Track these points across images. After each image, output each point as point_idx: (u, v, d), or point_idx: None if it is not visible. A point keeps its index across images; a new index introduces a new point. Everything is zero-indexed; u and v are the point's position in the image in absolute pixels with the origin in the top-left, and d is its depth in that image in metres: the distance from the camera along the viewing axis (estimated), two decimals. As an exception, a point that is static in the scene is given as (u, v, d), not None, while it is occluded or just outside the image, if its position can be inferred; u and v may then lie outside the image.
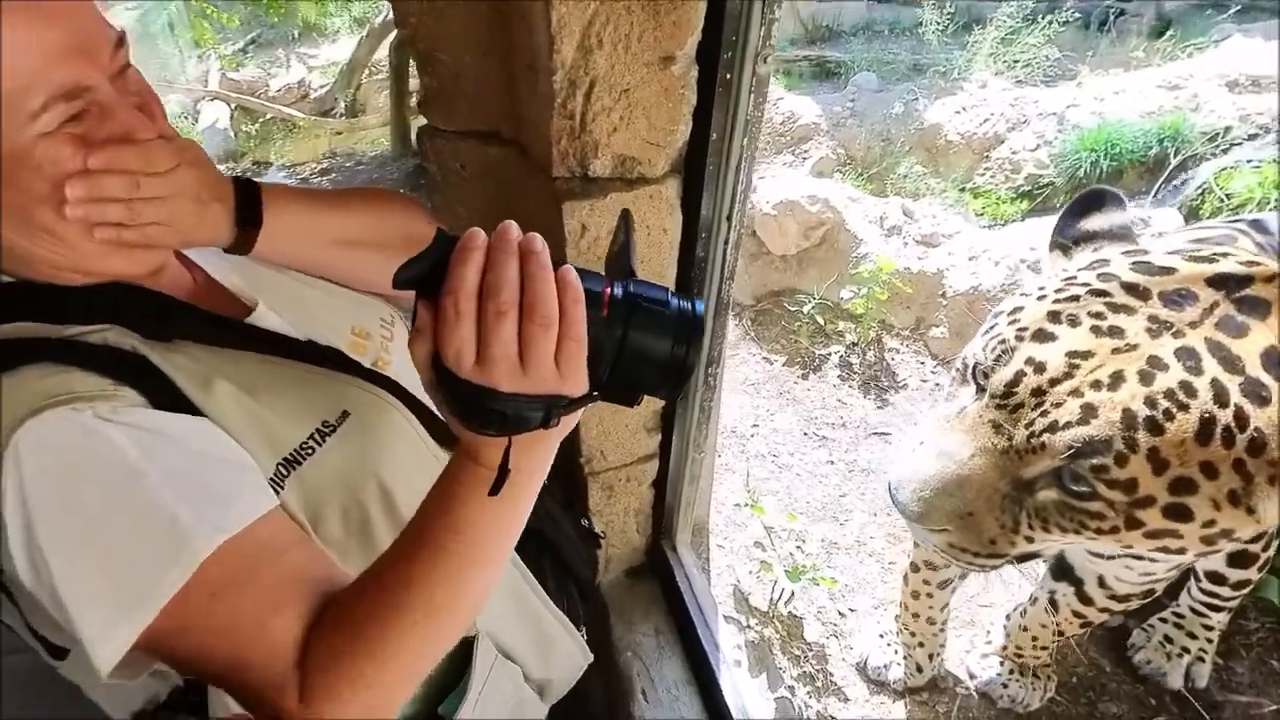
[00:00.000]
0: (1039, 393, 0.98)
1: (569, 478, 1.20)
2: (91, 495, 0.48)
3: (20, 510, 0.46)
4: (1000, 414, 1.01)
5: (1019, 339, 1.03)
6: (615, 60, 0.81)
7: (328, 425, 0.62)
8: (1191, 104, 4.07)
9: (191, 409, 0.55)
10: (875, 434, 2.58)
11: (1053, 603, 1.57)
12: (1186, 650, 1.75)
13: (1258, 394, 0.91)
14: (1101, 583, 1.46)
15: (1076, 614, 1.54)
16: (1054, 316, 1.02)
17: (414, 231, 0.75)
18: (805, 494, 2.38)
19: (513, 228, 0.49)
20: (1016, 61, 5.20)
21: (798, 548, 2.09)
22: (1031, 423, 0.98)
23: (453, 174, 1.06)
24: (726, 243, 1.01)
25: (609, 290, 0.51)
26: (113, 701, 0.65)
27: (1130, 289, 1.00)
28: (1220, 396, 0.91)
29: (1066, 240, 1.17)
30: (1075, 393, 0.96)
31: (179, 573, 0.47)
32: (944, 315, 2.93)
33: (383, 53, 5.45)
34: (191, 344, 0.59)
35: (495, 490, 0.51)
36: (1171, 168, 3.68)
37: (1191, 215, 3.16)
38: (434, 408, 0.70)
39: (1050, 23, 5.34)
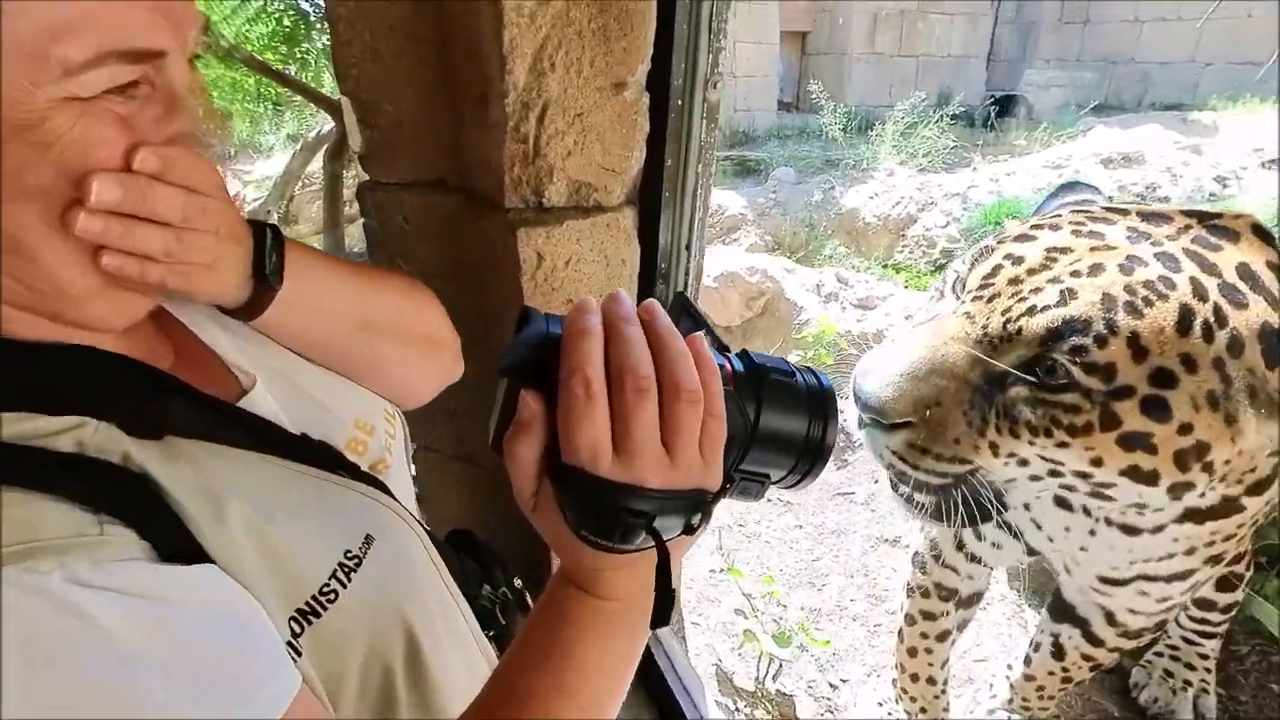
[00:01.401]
0: (1016, 281, 0.97)
1: (523, 541, 1.07)
2: (56, 709, 0.32)
3: None
4: (976, 305, 0.99)
5: (999, 243, 1.02)
6: (568, 84, 0.81)
7: (351, 557, 0.47)
8: (1075, 179, 4.52)
9: (196, 548, 0.39)
10: (840, 494, 2.58)
11: (1057, 647, 1.52)
12: (1189, 683, 1.74)
13: (1235, 298, 0.93)
14: (1111, 619, 1.41)
15: (1086, 657, 1.49)
16: (1035, 226, 1.03)
17: (437, 330, 0.65)
18: (778, 561, 2.33)
19: (625, 295, 0.41)
20: (917, 152, 5.69)
21: (782, 610, 2.02)
22: (1008, 309, 0.96)
23: (395, 228, 1.03)
24: (687, 273, 0.99)
25: (729, 362, 0.43)
26: None
27: (1110, 209, 1.04)
28: (1199, 291, 0.92)
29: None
30: (1054, 280, 0.95)
31: None
32: None
33: (315, 165, 5.53)
34: (184, 441, 0.43)
35: (661, 620, 0.40)
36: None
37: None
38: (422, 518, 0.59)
39: (941, 118, 5.93)
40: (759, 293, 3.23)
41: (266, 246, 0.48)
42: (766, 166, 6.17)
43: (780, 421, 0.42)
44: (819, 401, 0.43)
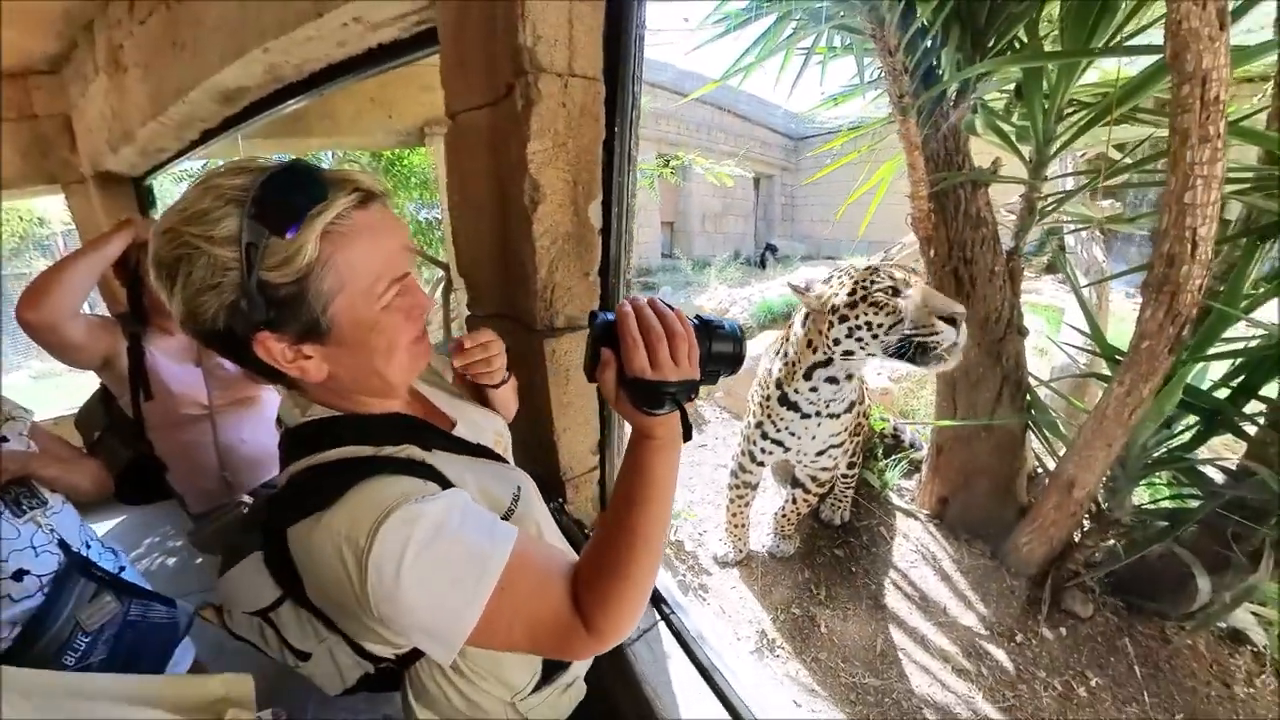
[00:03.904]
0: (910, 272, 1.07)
1: (555, 482, 1.06)
2: (427, 551, 0.34)
3: (382, 576, 0.33)
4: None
5: (873, 275, 1.10)
6: (565, 275, 0.83)
7: (515, 496, 0.48)
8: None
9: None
10: (700, 447, 2.56)
11: (793, 500, 1.62)
12: (838, 507, 1.82)
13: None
14: (814, 480, 1.50)
15: (804, 500, 1.58)
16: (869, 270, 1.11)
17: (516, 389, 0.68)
18: (671, 479, 2.30)
19: (641, 297, 0.41)
20: (727, 278, 5.96)
21: (674, 501, 2.00)
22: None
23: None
24: None
25: (694, 322, 0.42)
26: (330, 684, 0.51)
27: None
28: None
29: (801, 290, 1.26)
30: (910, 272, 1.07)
31: (491, 578, 0.35)
32: (720, 385, 2.95)
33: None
34: (440, 452, 0.45)
35: (688, 436, 0.40)
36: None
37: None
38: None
39: (737, 263, 6.28)
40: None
41: None
42: (658, 285, 6.28)
43: (721, 346, 0.42)
44: (738, 334, 0.43)
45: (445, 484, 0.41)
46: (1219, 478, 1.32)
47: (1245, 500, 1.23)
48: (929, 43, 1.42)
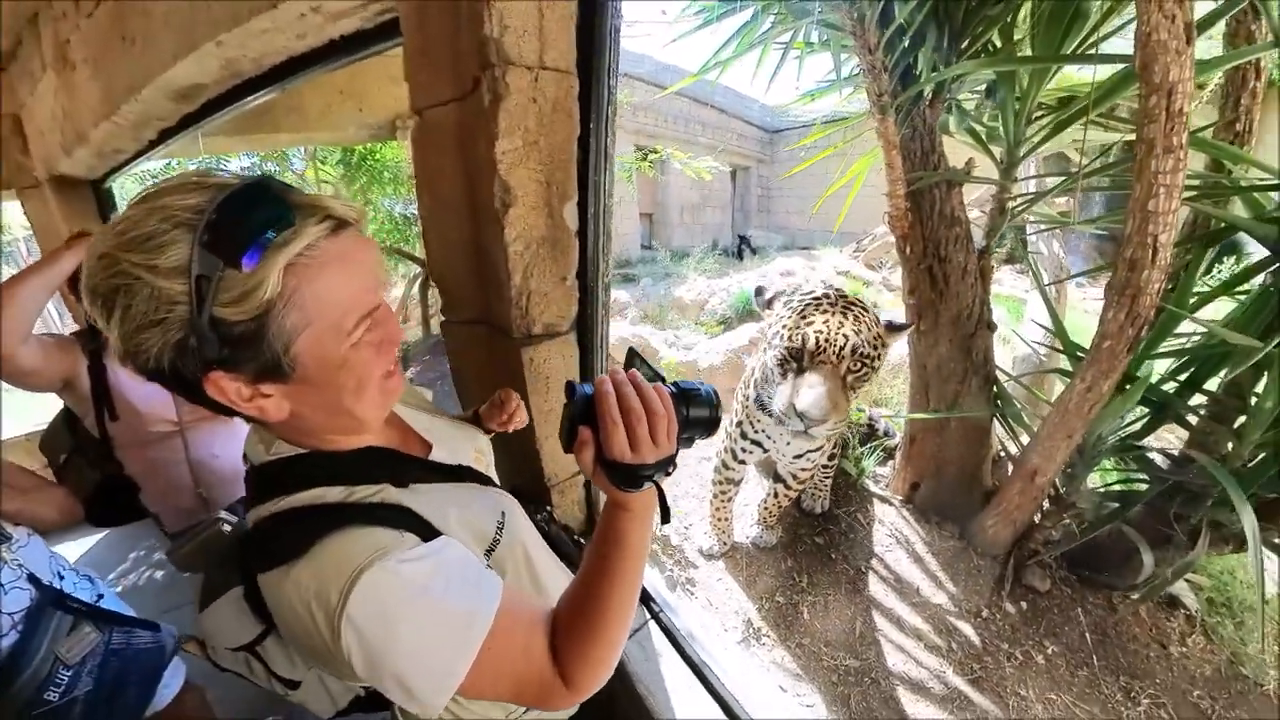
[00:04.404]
0: (830, 340, 1.07)
1: (540, 489, 1.04)
2: (408, 612, 0.32)
3: (360, 637, 0.31)
4: (827, 358, 1.07)
5: (798, 328, 1.09)
6: (540, 281, 0.80)
7: (499, 524, 0.46)
8: (759, 283, 4.79)
9: (437, 533, 0.39)
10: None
11: (775, 493, 1.63)
12: (819, 496, 1.84)
13: (878, 324, 1.10)
14: (794, 478, 1.52)
15: (786, 495, 1.59)
16: (805, 317, 1.11)
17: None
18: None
19: (620, 371, 0.39)
20: (706, 269, 5.92)
21: None
22: (842, 356, 1.05)
23: (458, 343, 0.99)
24: (603, 360, 0.97)
25: (671, 390, 0.41)
26: (322, 709, 0.50)
27: (814, 300, 1.14)
28: (871, 329, 1.09)
29: (762, 306, 1.29)
30: (841, 334, 1.07)
31: (474, 643, 0.33)
32: (713, 379, 2.92)
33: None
34: (419, 485, 0.42)
35: (665, 519, 0.40)
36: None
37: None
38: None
39: (714, 254, 6.23)
40: (640, 345, 3.25)
41: None
42: (638, 277, 6.15)
43: (698, 411, 0.41)
44: (713, 399, 0.41)
45: (425, 529, 0.38)
46: (1163, 463, 1.38)
47: (1186, 484, 1.29)
48: (907, 42, 1.38)
